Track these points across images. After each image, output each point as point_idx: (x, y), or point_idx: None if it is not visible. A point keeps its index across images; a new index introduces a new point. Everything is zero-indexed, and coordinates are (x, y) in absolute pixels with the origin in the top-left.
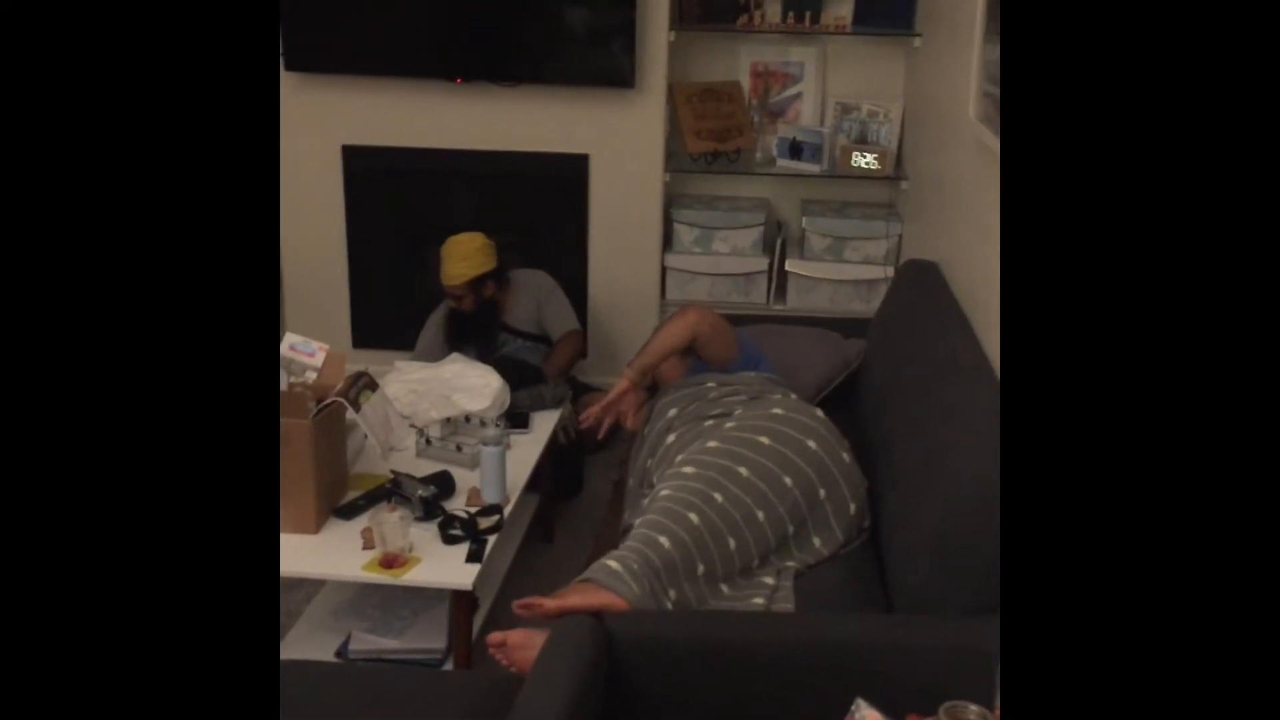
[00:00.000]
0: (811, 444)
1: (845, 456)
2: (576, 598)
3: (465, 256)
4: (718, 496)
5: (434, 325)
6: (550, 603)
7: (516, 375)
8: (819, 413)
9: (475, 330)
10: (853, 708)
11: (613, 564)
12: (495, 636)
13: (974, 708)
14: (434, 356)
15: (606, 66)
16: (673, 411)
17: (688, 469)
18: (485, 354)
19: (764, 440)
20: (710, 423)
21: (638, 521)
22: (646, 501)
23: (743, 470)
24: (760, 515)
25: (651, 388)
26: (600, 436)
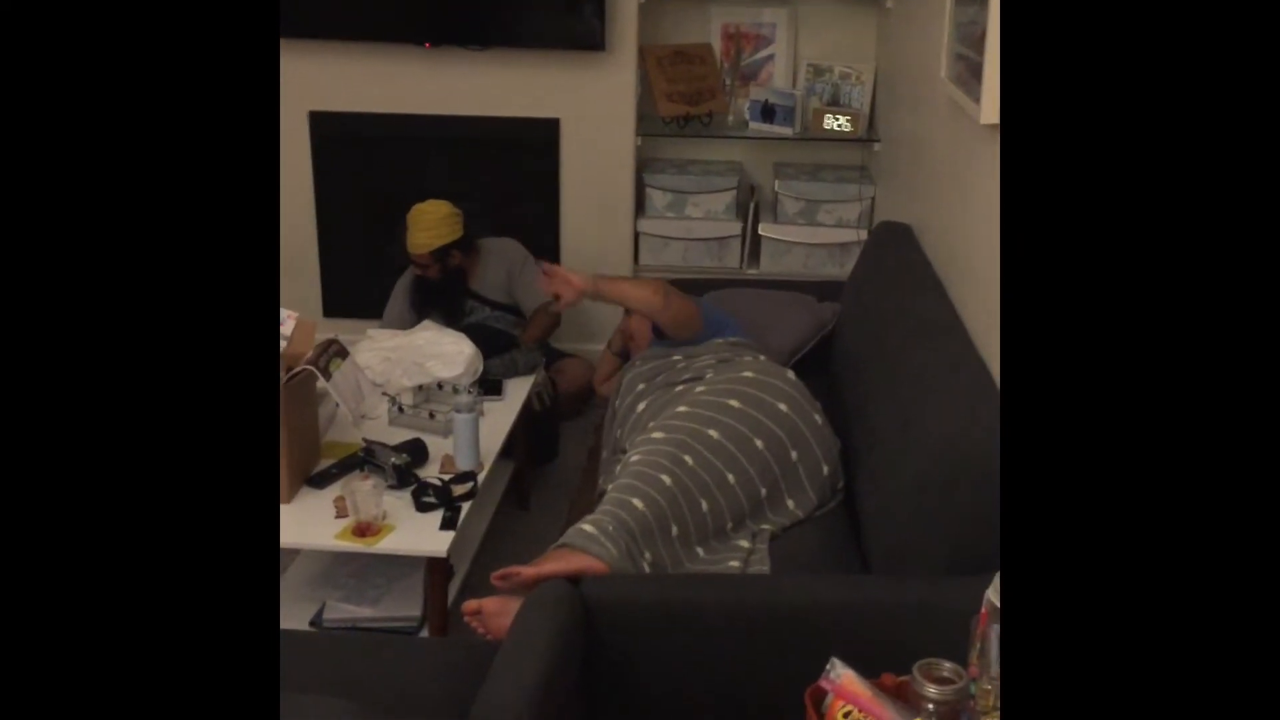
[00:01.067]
0: (783, 406)
1: (817, 418)
2: (553, 564)
3: (429, 226)
4: (688, 459)
5: (401, 291)
6: (528, 571)
7: (489, 342)
8: (790, 375)
9: (441, 297)
10: (828, 667)
11: (587, 528)
12: (470, 604)
13: (948, 665)
14: (402, 323)
15: (576, 29)
16: (641, 385)
17: (658, 434)
18: (452, 321)
19: (734, 403)
20: (680, 388)
21: (610, 486)
22: (619, 468)
23: (713, 433)
24: (731, 477)
25: (623, 354)
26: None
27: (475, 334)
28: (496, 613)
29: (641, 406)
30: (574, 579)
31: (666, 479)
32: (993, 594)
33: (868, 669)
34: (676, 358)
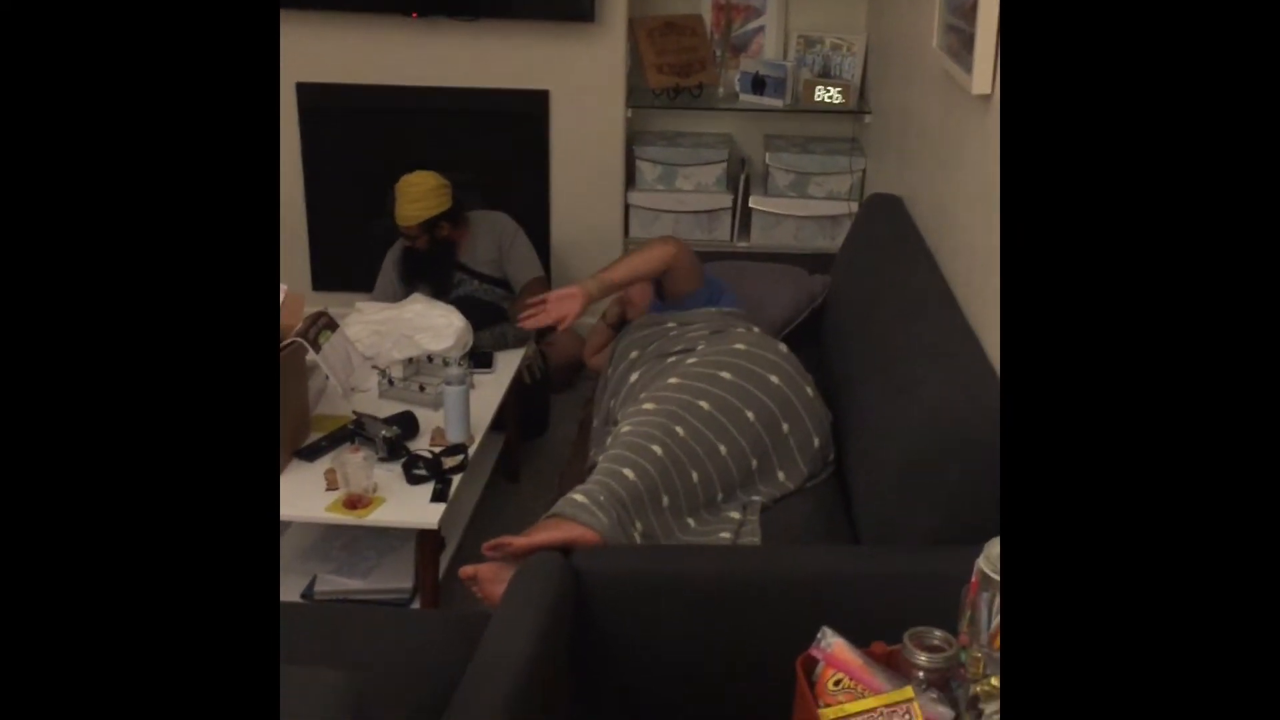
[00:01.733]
0: (774, 378)
1: (808, 390)
2: (544, 533)
3: (418, 198)
4: (679, 429)
5: (390, 263)
6: (519, 541)
7: (479, 315)
8: (782, 347)
9: (430, 269)
10: (819, 636)
11: (578, 497)
12: (467, 569)
13: (938, 633)
14: (392, 295)
15: (566, 0)
16: (634, 353)
17: (649, 405)
18: (440, 293)
19: (725, 375)
20: (673, 359)
21: (601, 457)
22: (610, 439)
23: (704, 404)
24: (722, 448)
25: (618, 325)
26: (523, 323)
27: (464, 306)
28: (491, 579)
29: (634, 376)
30: (565, 549)
31: (658, 449)
32: (983, 563)
33: (858, 638)
34: (670, 324)
